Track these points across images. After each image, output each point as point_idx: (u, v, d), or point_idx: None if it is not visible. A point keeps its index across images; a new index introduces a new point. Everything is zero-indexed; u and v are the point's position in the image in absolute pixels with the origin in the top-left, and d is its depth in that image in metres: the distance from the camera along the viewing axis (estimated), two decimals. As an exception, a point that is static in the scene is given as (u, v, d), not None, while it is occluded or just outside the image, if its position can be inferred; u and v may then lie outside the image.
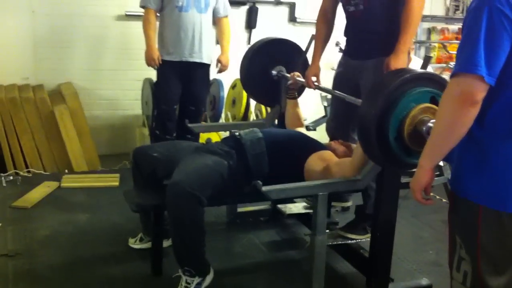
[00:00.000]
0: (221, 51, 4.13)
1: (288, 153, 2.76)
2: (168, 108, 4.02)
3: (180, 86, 4.03)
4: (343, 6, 2.98)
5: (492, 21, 1.46)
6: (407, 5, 2.73)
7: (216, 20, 4.14)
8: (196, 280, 2.55)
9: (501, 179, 1.57)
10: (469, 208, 1.64)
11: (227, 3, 4.15)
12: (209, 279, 2.60)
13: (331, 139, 3.23)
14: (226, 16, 4.15)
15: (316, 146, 2.83)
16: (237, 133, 2.85)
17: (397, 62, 2.68)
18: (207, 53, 4.04)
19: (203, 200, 2.44)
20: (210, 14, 4.02)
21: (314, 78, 3.10)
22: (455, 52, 5.99)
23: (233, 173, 2.62)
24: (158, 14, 3.98)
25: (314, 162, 2.68)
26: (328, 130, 3.35)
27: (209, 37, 4.04)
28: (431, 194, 1.77)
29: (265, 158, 2.70)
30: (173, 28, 3.91)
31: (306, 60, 3.35)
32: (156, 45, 3.96)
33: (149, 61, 3.97)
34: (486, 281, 1.64)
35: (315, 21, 3.17)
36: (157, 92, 4.11)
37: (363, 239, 2.92)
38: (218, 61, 4.10)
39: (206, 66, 4.09)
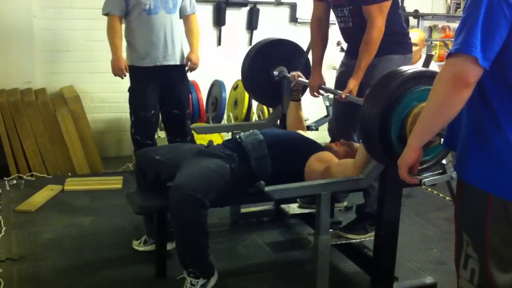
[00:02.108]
0: (191, 49, 3.92)
1: (289, 154, 2.76)
2: (146, 114, 3.82)
3: (157, 91, 3.85)
4: (336, 18, 3.03)
5: (491, 6, 1.46)
6: (367, 34, 2.78)
7: (184, 18, 3.93)
8: (201, 281, 2.55)
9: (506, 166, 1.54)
10: (479, 198, 1.61)
11: (194, 0, 3.94)
12: (213, 280, 2.60)
13: (332, 139, 3.23)
14: (194, 13, 3.96)
15: (315, 147, 2.83)
16: (237, 136, 2.85)
17: (356, 85, 2.81)
18: (181, 54, 3.87)
19: (206, 203, 2.45)
20: (178, 13, 3.84)
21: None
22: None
23: (236, 176, 2.62)
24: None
25: (314, 163, 2.69)
26: (330, 130, 3.36)
27: (180, 38, 3.87)
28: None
29: (268, 160, 2.70)
30: (144, 33, 3.72)
31: (307, 60, 3.35)
32: (122, 53, 3.82)
33: (116, 71, 3.81)
34: (494, 278, 1.62)
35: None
36: (133, 99, 3.85)
37: (363, 239, 2.91)
38: (188, 59, 3.90)
39: (182, 67, 3.91)
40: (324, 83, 3.14)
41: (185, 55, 3.92)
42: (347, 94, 2.81)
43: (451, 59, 1.52)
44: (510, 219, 1.56)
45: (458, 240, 1.73)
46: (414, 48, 4.41)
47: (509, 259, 1.62)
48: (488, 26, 1.47)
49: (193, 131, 3.88)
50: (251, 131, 2.87)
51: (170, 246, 2.90)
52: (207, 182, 2.51)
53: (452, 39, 6.07)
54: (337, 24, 3.07)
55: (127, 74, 3.86)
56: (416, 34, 4.52)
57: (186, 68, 3.93)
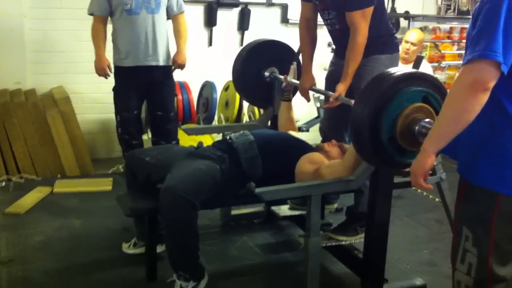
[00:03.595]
0: (177, 50, 3.91)
1: (280, 155, 2.76)
2: (129, 114, 3.85)
3: (139, 92, 3.85)
4: (323, 21, 3.05)
5: (510, 13, 1.49)
6: (351, 40, 2.81)
7: (171, 18, 3.91)
8: (191, 284, 2.54)
9: None
10: (486, 197, 1.66)
11: (181, 0, 3.92)
12: (203, 283, 2.59)
13: (324, 139, 3.23)
14: (182, 13, 3.93)
15: (305, 147, 2.83)
16: (228, 137, 2.84)
17: (344, 90, 2.84)
18: (164, 55, 3.84)
19: (196, 204, 2.44)
20: (163, 13, 3.81)
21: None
22: (447, 52, 6.02)
23: (226, 177, 2.62)
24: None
25: (304, 164, 2.69)
26: (322, 130, 3.36)
27: (164, 38, 3.83)
28: (425, 193, 1.78)
29: (259, 161, 2.69)
30: (125, 33, 3.73)
31: (299, 61, 3.35)
32: (105, 53, 3.82)
33: (99, 71, 3.83)
34: (494, 271, 1.69)
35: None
36: (116, 99, 3.90)
37: (353, 241, 2.92)
38: (174, 61, 3.90)
39: (165, 68, 3.88)
40: (315, 84, 3.15)
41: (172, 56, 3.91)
42: (339, 96, 2.82)
43: (470, 65, 1.53)
44: None
45: (457, 235, 1.77)
46: (412, 48, 4.46)
47: (509, 253, 1.69)
48: (508, 33, 1.49)
49: (183, 132, 3.86)
50: (241, 132, 2.86)
51: (160, 248, 2.89)
52: (197, 183, 2.50)
53: (442, 40, 6.08)
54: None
55: (111, 74, 3.85)
56: (414, 35, 4.51)
57: (172, 68, 3.91)
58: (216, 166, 2.62)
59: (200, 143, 2.92)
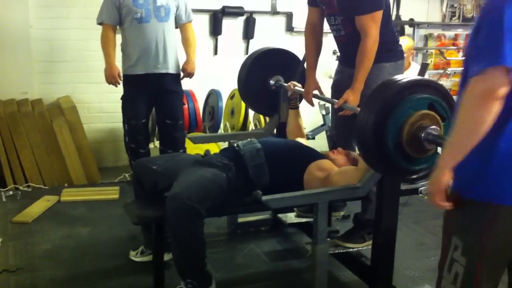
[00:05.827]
0: (186, 59, 3.95)
1: (287, 162, 2.76)
2: (137, 123, 3.87)
3: (148, 100, 3.88)
4: (329, 27, 3.05)
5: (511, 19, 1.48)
6: (362, 45, 2.80)
7: (180, 27, 3.95)
8: None
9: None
10: (478, 208, 1.65)
11: (189, 9, 3.96)
12: None
13: (333, 147, 3.24)
14: (190, 22, 3.97)
15: (314, 155, 2.83)
16: (235, 145, 2.85)
17: (355, 99, 2.81)
18: (173, 63, 3.87)
19: (202, 212, 2.44)
20: (172, 22, 3.85)
21: (316, 92, 3.14)
22: (452, 58, 6.03)
23: (233, 185, 2.62)
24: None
25: (314, 171, 2.68)
26: (331, 138, 3.36)
27: (173, 46, 3.87)
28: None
29: (265, 169, 2.69)
30: (135, 41, 3.76)
31: (304, 69, 3.36)
32: (115, 62, 3.85)
33: (109, 79, 3.85)
34: (480, 284, 1.67)
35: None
36: (124, 107, 3.93)
37: (361, 248, 2.91)
38: (183, 69, 3.93)
39: (175, 76, 3.91)
40: (319, 88, 3.16)
41: (181, 65, 3.93)
42: (344, 103, 2.82)
43: (478, 76, 1.51)
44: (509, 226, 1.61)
45: (446, 244, 1.75)
46: None
47: (497, 268, 1.68)
48: None
49: (189, 140, 3.88)
50: (248, 139, 2.86)
51: (167, 256, 2.89)
52: (203, 191, 2.50)
53: (448, 47, 6.08)
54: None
55: (121, 82, 3.88)
56: (404, 42, 4.53)
57: (181, 76, 3.94)
58: (222, 174, 2.62)
59: (207, 151, 2.93)
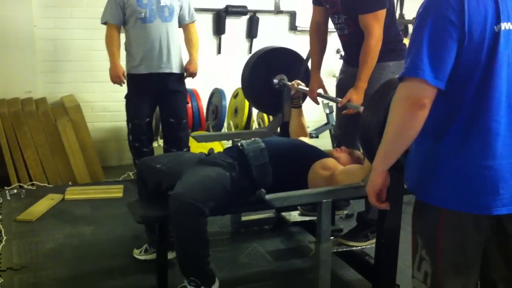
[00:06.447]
0: (189, 59, 3.97)
1: (291, 162, 2.76)
2: (140, 122, 3.89)
3: (152, 99, 3.91)
4: (333, 25, 3.05)
5: (435, 27, 1.50)
6: (365, 44, 2.80)
7: (183, 27, 3.98)
8: None
9: (460, 182, 1.59)
10: (431, 210, 1.66)
11: (192, 9, 3.99)
12: None
13: (337, 146, 3.23)
14: (193, 22, 4.00)
15: (319, 154, 2.83)
16: (239, 144, 2.85)
17: (358, 98, 2.81)
18: (177, 62, 3.89)
19: (205, 211, 2.44)
20: (175, 22, 3.87)
21: (320, 90, 3.14)
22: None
23: (236, 185, 2.62)
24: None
25: (318, 170, 2.68)
26: (335, 137, 3.36)
27: (177, 46, 3.89)
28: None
29: (269, 169, 2.69)
30: (139, 41, 3.78)
31: (307, 68, 3.36)
32: (120, 61, 3.87)
33: (114, 79, 3.87)
34: (444, 281, 1.67)
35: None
36: (128, 106, 3.94)
37: (365, 246, 2.91)
38: (186, 69, 3.95)
39: (179, 76, 3.93)
40: (323, 86, 3.16)
41: (184, 64, 3.94)
42: (348, 102, 2.82)
43: (403, 83, 1.54)
44: (462, 224, 1.62)
45: (414, 243, 1.77)
46: None
47: (460, 264, 1.67)
48: (434, 47, 1.49)
49: (193, 139, 3.88)
50: (252, 139, 2.86)
51: (170, 255, 2.89)
52: (207, 190, 2.50)
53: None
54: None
55: (126, 82, 3.89)
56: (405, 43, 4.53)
57: (184, 75, 3.94)
58: (226, 173, 2.62)
59: (211, 150, 2.93)
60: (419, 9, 1.58)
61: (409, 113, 1.53)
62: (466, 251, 1.65)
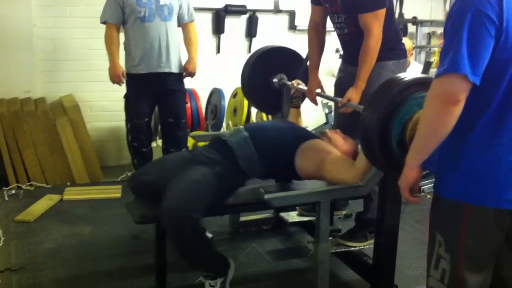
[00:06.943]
0: (188, 58, 3.96)
1: (277, 147, 2.69)
2: (139, 122, 3.88)
3: (151, 99, 3.89)
4: (332, 25, 3.04)
5: (474, 24, 1.52)
6: (364, 43, 2.79)
7: (182, 27, 3.97)
8: (219, 280, 2.57)
9: (487, 177, 1.61)
10: (454, 206, 1.68)
11: (192, 8, 3.98)
12: (231, 272, 2.62)
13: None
14: (192, 22, 3.99)
15: (306, 136, 2.78)
16: (222, 136, 2.79)
17: (357, 97, 2.81)
18: (176, 62, 3.88)
19: (196, 217, 2.40)
20: (175, 21, 3.86)
21: (319, 90, 3.13)
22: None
23: (224, 180, 2.56)
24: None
25: (305, 152, 2.65)
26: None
27: (176, 46, 3.88)
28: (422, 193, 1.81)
29: (256, 158, 2.64)
30: (138, 40, 3.77)
31: (307, 67, 3.35)
32: (119, 60, 3.85)
33: (114, 78, 3.86)
34: (465, 278, 1.69)
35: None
36: (127, 106, 3.94)
37: (363, 247, 2.90)
38: (185, 68, 3.94)
39: (178, 75, 3.92)
40: (321, 87, 3.15)
41: (183, 64, 3.93)
42: (348, 102, 2.81)
43: (439, 78, 1.56)
44: (485, 222, 1.64)
45: (431, 240, 1.80)
46: None
47: (481, 260, 1.69)
48: (473, 44, 1.51)
49: (192, 139, 3.88)
50: (235, 128, 2.81)
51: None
52: (195, 196, 2.44)
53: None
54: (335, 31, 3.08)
55: (125, 81, 3.88)
56: (404, 43, 4.52)
57: (183, 75, 3.94)
58: (211, 171, 2.56)
59: (195, 144, 2.88)
60: (453, 7, 1.59)
61: (444, 109, 1.55)
62: (487, 248, 1.68)
